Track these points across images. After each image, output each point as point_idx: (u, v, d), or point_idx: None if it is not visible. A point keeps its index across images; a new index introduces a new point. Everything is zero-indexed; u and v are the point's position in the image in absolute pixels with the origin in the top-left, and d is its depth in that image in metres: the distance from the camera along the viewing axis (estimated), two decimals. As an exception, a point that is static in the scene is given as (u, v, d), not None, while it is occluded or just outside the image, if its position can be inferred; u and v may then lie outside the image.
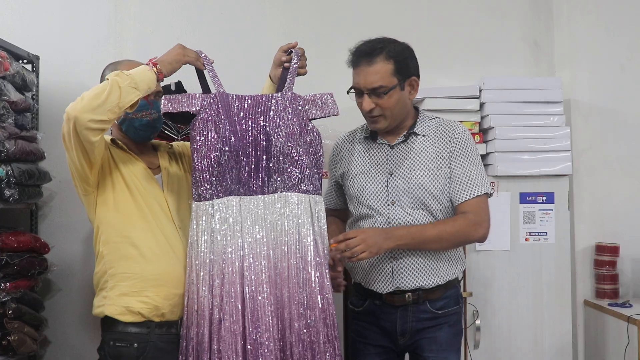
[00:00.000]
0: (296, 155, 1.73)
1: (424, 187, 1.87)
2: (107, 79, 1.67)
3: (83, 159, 1.73)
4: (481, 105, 2.63)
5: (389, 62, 1.79)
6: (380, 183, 1.91)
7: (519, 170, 2.55)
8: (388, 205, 1.88)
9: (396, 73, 1.80)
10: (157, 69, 1.71)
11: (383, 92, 1.79)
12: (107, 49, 2.74)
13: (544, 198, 2.58)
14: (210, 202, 1.72)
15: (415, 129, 1.93)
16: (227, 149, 1.71)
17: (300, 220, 1.72)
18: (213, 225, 1.70)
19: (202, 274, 1.69)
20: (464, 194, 1.87)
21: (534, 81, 2.68)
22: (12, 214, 2.56)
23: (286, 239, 1.71)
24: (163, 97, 1.79)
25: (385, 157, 1.93)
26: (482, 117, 2.68)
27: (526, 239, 2.57)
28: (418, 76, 1.89)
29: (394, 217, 1.88)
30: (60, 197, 2.66)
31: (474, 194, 1.86)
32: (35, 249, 2.38)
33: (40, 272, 2.40)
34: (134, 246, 1.76)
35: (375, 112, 1.82)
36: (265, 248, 1.69)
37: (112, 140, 1.91)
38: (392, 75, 1.79)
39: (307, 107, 1.80)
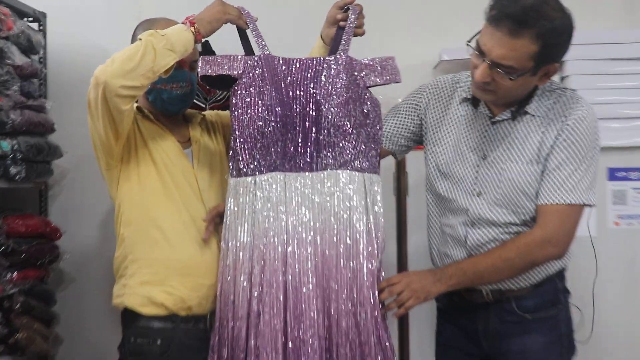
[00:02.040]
0: (350, 128, 1.72)
1: (513, 183, 1.78)
2: (140, 40, 1.69)
3: (110, 129, 1.75)
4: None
5: (534, 43, 1.61)
6: (469, 166, 1.84)
7: (607, 140, 2.44)
8: (473, 196, 1.82)
9: (537, 57, 1.64)
10: (194, 28, 1.72)
11: (509, 73, 1.66)
12: (124, 3, 2.68)
13: (639, 174, 2.53)
14: (252, 178, 1.72)
15: (528, 106, 1.79)
16: (272, 118, 1.72)
17: (352, 203, 1.70)
18: (255, 204, 1.71)
19: (240, 259, 1.69)
20: (548, 195, 1.74)
21: (627, 34, 2.57)
22: (18, 194, 2.56)
23: (335, 224, 1.69)
24: (201, 59, 1.80)
25: (482, 133, 1.83)
26: (561, 78, 2.60)
27: (616, 223, 2.52)
28: (561, 60, 1.74)
29: (475, 212, 1.81)
30: (73, 174, 2.66)
31: (560, 200, 1.72)
32: (45, 235, 2.38)
33: (51, 260, 2.40)
34: (158, 228, 1.78)
35: (488, 87, 1.71)
36: (311, 233, 1.67)
37: (138, 108, 1.93)
38: (530, 58, 1.64)
39: (364, 72, 1.79)
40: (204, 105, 2.44)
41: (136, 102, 1.96)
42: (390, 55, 1.84)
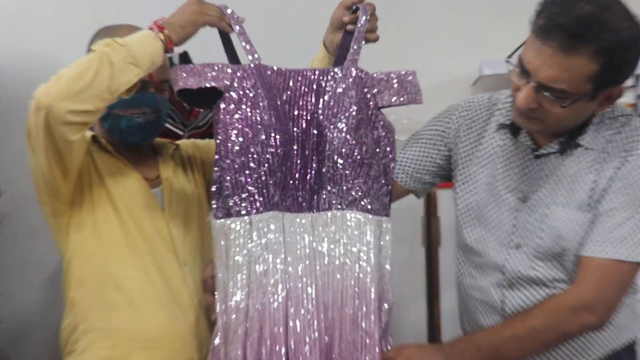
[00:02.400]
0: (359, 158, 1.69)
1: (560, 232, 1.71)
2: (94, 51, 1.64)
3: (55, 165, 1.69)
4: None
5: (593, 62, 1.54)
6: (506, 210, 1.80)
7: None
8: (510, 248, 1.77)
9: (596, 79, 1.57)
10: (164, 35, 1.67)
11: (560, 99, 1.60)
12: (81, 8, 2.65)
13: None
14: (247, 219, 1.66)
15: (581, 137, 1.73)
16: (272, 142, 1.66)
17: (360, 253, 1.67)
18: (251, 252, 1.64)
19: (234, 324, 1.61)
20: (591, 246, 1.67)
21: None
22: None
23: (341, 280, 1.66)
24: (176, 69, 1.70)
25: (523, 169, 1.79)
26: (638, 96, 2.56)
27: None
28: (625, 79, 1.67)
29: (514, 269, 1.76)
30: (12, 219, 2.63)
31: (604, 253, 1.66)
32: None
33: (-18, 331, 2.44)
34: (119, 290, 1.73)
35: (534, 114, 1.65)
36: (314, 290, 1.65)
37: (93, 138, 1.89)
38: (587, 80, 1.57)
39: (376, 89, 1.76)
40: (181, 132, 2.43)
41: (91, 129, 1.90)
42: (411, 70, 1.77)
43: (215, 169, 1.68)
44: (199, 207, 1.93)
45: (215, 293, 1.69)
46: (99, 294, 1.75)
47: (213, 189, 1.69)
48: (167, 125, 2.38)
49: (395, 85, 1.77)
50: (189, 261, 1.84)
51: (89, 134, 1.87)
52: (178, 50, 2.29)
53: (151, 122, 1.86)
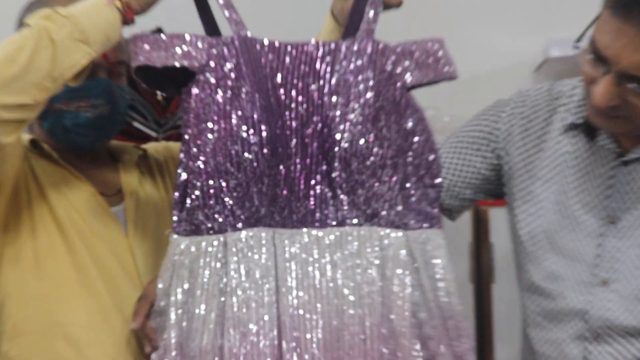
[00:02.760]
0: (380, 157, 1.66)
1: None
2: (29, 26, 1.58)
3: None
4: None
5: None
6: (585, 235, 1.74)
7: None
8: (594, 286, 1.71)
9: None
10: (122, 1, 1.63)
11: None
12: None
13: None
14: (220, 237, 1.63)
15: None
16: (255, 139, 1.62)
17: (393, 285, 1.62)
18: (224, 280, 1.60)
19: None
20: None
21: None
22: None
23: (359, 318, 1.61)
24: (135, 38, 1.66)
25: (605, 181, 1.74)
26: None
27: None
28: None
29: (600, 314, 1.69)
30: None
31: None
32: None
33: None
34: (70, 342, 1.66)
35: (617, 112, 1.62)
36: (318, 331, 1.60)
37: (32, 142, 1.81)
38: None
39: (400, 66, 1.73)
40: (155, 134, 2.35)
41: (29, 130, 1.85)
42: (436, 37, 1.77)
43: (180, 171, 1.65)
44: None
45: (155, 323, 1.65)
46: (42, 347, 1.67)
47: (175, 195, 1.65)
48: (136, 124, 2.33)
49: (422, 56, 1.76)
50: None
51: (26, 137, 1.79)
52: (144, 22, 2.25)
53: (104, 117, 1.80)
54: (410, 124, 1.72)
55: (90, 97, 1.77)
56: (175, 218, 1.64)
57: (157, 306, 1.65)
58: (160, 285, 1.65)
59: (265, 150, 1.65)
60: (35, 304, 1.69)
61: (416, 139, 1.73)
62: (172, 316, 1.62)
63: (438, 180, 1.75)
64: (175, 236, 1.65)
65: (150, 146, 2.01)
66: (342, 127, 1.67)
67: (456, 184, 1.87)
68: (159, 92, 2.31)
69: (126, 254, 1.77)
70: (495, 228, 2.58)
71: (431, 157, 1.73)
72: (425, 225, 1.70)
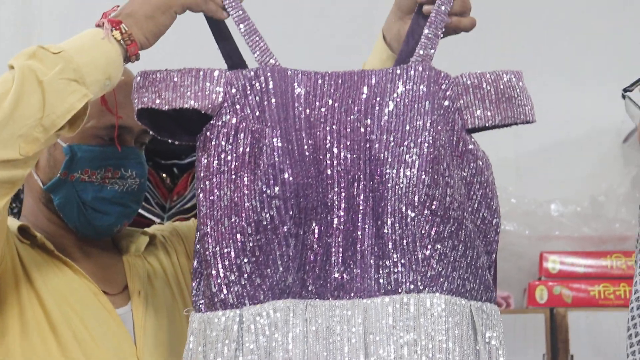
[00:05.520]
0: (443, 209, 1.69)
1: None
2: (12, 68, 1.60)
3: None
4: None
5: None
6: None
7: None
8: None
9: None
10: (122, 32, 1.67)
11: None
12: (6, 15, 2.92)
13: None
14: (237, 311, 1.65)
15: None
16: (277, 192, 1.65)
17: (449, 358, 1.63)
18: None
19: None
20: None
21: None
22: None
23: None
24: (137, 76, 1.68)
25: None
26: None
27: None
28: None
29: None
30: None
31: None
32: None
33: None
34: None
35: None
36: None
37: (21, 230, 1.83)
38: None
39: (463, 100, 1.76)
40: (158, 220, 2.48)
41: (18, 213, 1.94)
42: (515, 70, 1.77)
43: (197, 235, 1.68)
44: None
45: None
46: None
47: (194, 264, 1.69)
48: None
49: (492, 92, 1.77)
50: None
51: (14, 223, 1.82)
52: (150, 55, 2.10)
53: (132, 193, 1.87)
54: (468, 173, 1.76)
55: (120, 167, 1.83)
56: (194, 292, 1.67)
57: None
58: None
59: (290, 205, 1.67)
60: None
61: (475, 189, 1.76)
62: None
63: (493, 247, 1.76)
64: (193, 313, 1.68)
65: (156, 229, 2.04)
66: (395, 171, 1.70)
67: None
68: (164, 173, 2.33)
69: None
70: (576, 335, 2.62)
71: (488, 216, 1.77)
72: (486, 297, 1.74)
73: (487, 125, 1.74)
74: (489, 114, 1.74)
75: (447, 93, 1.73)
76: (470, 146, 1.73)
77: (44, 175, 1.85)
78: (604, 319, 2.75)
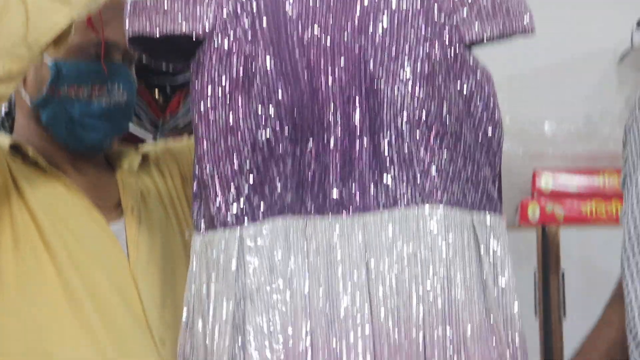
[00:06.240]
0: (440, 122, 1.69)
1: None
2: None
3: None
4: None
5: None
6: None
7: None
8: None
9: None
10: None
11: None
12: None
13: None
14: (237, 230, 1.64)
15: None
16: (272, 112, 1.65)
17: (451, 272, 1.63)
18: (242, 282, 1.63)
19: None
20: None
21: None
22: None
23: (416, 316, 1.62)
24: (129, 4, 1.66)
25: None
26: None
27: None
28: None
29: None
30: None
31: None
32: None
33: None
34: None
35: None
36: (366, 335, 1.63)
37: (13, 147, 1.84)
38: None
39: (457, 15, 1.73)
40: (151, 138, 2.45)
41: (10, 129, 1.93)
42: None
43: (194, 158, 1.68)
44: (185, 251, 1.85)
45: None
46: None
47: (194, 187, 1.69)
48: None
49: (482, 5, 1.74)
50: (171, 338, 1.76)
51: (6, 140, 1.83)
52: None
53: (120, 108, 1.86)
54: (467, 87, 1.73)
55: (106, 82, 1.82)
56: (195, 212, 1.67)
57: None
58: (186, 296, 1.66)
59: (286, 125, 1.68)
60: (18, 336, 1.74)
61: (475, 103, 1.75)
62: (187, 318, 1.67)
63: (497, 159, 1.76)
64: (195, 233, 1.67)
65: (149, 148, 2.05)
66: (390, 87, 1.69)
67: None
68: (157, 91, 2.32)
69: (128, 283, 1.80)
70: (567, 252, 2.70)
71: (490, 129, 1.75)
72: (489, 207, 1.73)
73: (485, 39, 1.71)
74: (487, 27, 1.71)
75: (443, 8, 1.71)
76: (469, 61, 1.71)
77: (32, 91, 1.83)
78: (595, 236, 2.79)
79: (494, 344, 1.63)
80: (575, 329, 2.48)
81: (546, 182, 3.00)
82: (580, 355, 2.03)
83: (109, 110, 1.84)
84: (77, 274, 1.76)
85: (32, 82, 1.81)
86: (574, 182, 3.11)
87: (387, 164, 1.67)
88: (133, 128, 2.37)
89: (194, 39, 1.66)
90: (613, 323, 1.93)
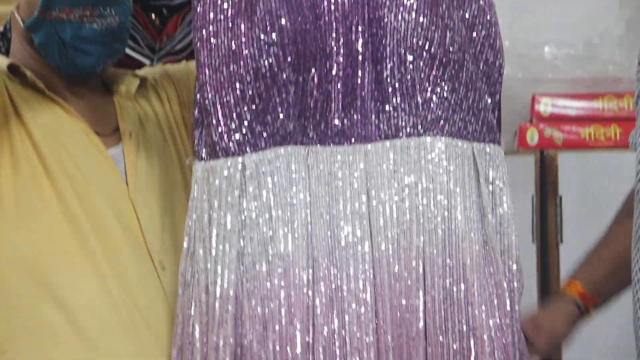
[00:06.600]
0: (443, 51, 1.70)
1: None
2: None
3: None
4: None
5: None
6: None
7: None
8: None
9: None
10: None
11: None
12: None
13: None
14: (239, 158, 1.66)
15: None
16: (274, 39, 1.65)
17: (451, 202, 1.67)
18: (245, 210, 1.64)
19: (219, 319, 1.62)
20: None
21: None
22: None
23: (416, 247, 1.66)
24: None
25: None
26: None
27: None
28: None
29: None
30: None
31: None
32: None
33: None
34: (61, 308, 1.71)
35: None
36: (366, 269, 1.66)
37: (11, 67, 1.84)
38: None
39: None
40: (148, 61, 2.43)
41: (6, 53, 1.92)
42: None
43: (196, 86, 1.69)
44: (183, 176, 1.90)
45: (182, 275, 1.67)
46: (27, 312, 1.72)
47: (195, 113, 1.70)
48: (126, 50, 2.26)
49: None
50: (170, 262, 1.79)
51: (4, 61, 1.84)
52: None
53: (112, 31, 1.85)
54: (470, 15, 1.76)
55: (98, 4, 1.79)
56: (196, 140, 1.68)
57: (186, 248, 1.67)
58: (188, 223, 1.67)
59: (288, 52, 1.68)
60: (18, 262, 1.75)
61: (475, 34, 1.77)
62: (188, 248, 1.70)
63: (497, 88, 1.79)
64: (196, 161, 1.70)
65: (147, 72, 2.04)
66: (394, 15, 1.70)
67: None
68: (153, 14, 2.30)
69: (127, 208, 1.81)
70: (565, 177, 2.73)
71: (491, 57, 1.77)
72: (489, 137, 1.75)
73: None
74: None
75: None
76: None
77: (24, 14, 1.82)
78: (593, 160, 2.79)
79: (491, 273, 1.65)
80: (572, 255, 2.53)
81: (545, 106, 2.98)
82: (587, 264, 2.11)
83: (102, 34, 1.83)
84: (77, 199, 1.76)
85: (25, 4, 1.80)
86: (573, 106, 3.09)
87: (390, 93, 1.68)
88: (131, 52, 2.38)
89: None
90: (619, 239, 2.00)
